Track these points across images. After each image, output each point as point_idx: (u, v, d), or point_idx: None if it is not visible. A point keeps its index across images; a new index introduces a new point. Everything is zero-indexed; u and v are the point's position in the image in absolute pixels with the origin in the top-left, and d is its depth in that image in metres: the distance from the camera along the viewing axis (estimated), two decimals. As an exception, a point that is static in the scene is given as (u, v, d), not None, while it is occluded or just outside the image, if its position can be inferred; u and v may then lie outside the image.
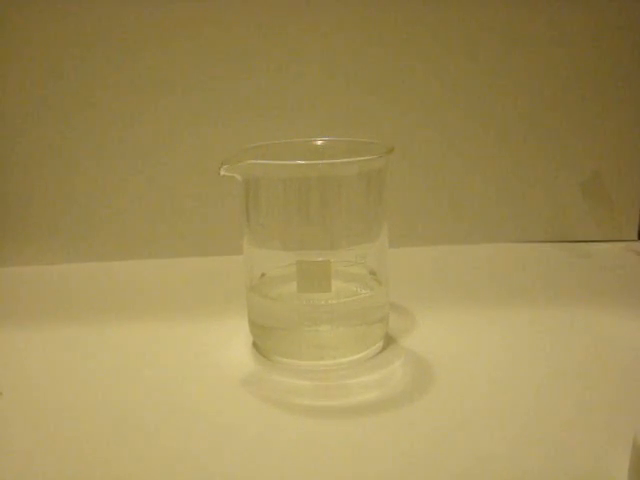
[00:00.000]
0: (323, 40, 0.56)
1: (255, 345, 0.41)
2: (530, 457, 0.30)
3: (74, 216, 0.58)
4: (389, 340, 0.42)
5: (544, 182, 0.60)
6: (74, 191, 0.57)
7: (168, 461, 0.31)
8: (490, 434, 0.32)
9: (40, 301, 0.51)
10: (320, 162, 0.38)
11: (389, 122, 0.58)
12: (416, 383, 0.37)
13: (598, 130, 0.59)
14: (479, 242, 0.60)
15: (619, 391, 0.36)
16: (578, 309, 0.46)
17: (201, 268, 0.57)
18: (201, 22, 0.55)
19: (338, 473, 0.30)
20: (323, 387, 0.37)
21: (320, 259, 0.38)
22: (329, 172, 0.38)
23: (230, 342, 0.42)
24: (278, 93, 0.56)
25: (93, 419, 0.35)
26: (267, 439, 0.32)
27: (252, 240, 0.40)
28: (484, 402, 0.35)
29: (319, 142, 0.42)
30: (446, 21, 0.56)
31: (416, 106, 0.58)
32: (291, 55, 0.56)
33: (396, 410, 0.34)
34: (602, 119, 0.59)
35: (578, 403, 0.35)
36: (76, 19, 0.54)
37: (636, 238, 0.61)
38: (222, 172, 0.37)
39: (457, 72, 0.57)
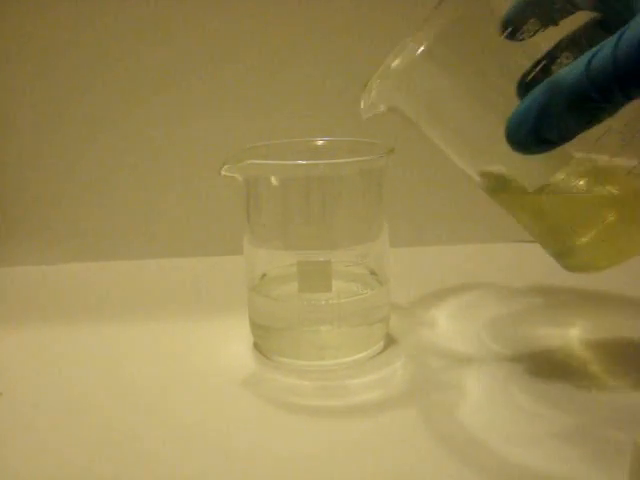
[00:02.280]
0: (324, 39, 0.56)
1: (256, 345, 0.41)
2: (530, 457, 0.30)
3: (74, 216, 0.58)
4: (390, 340, 0.42)
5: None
6: (74, 191, 0.57)
7: (168, 461, 0.31)
8: (491, 434, 0.32)
9: (40, 301, 0.51)
10: (320, 162, 0.38)
11: (389, 122, 0.57)
12: (417, 383, 0.37)
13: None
14: (479, 242, 0.60)
15: (620, 390, 0.36)
16: (578, 309, 0.46)
17: (201, 268, 0.57)
18: (200, 21, 0.55)
19: (338, 473, 0.30)
20: (324, 387, 0.37)
21: (321, 259, 0.38)
22: (329, 172, 0.38)
23: (231, 342, 0.42)
24: (278, 92, 0.56)
25: (93, 419, 0.35)
26: (267, 439, 0.32)
27: (253, 240, 0.40)
28: (485, 402, 0.35)
29: (319, 142, 0.42)
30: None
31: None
32: (291, 54, 0.56)
33: (397, 410, 0.34)
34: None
35: (579, 402, 0.35)
36: (72, 15, 0.54)
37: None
38: (223, 172, 0.37)
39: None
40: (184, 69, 0.56)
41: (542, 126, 0.26)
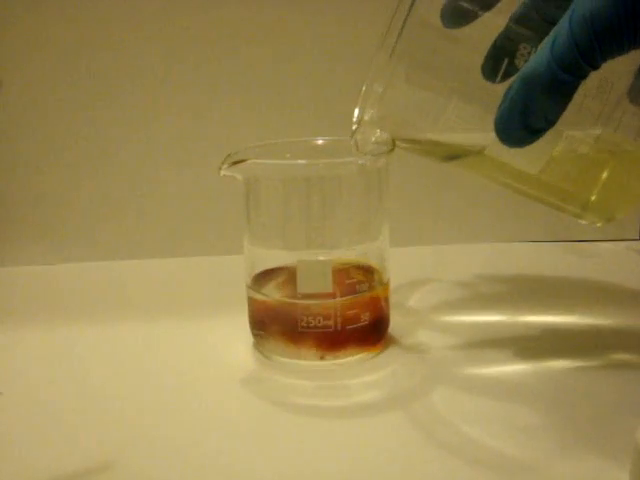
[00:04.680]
0: (324, 38, 0.56)
1: (255, 345, 0.41)
2: (532, 456, 0.30)
3: (74, 216, 0.58)
4: (390, 340, 0.42)
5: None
6: (74, 191, 0.57)
7: (168, 460, 0.31)
8: (492, 434, 0.32)
9: (40, 301, 0.51)
10: (320, 162, 0.38)
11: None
12: (417, 383, 0.37)
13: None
14: (479, 242, 0.60)
15: (621, 390, 0.36)
16: (578, 309, 0.46)
17: (201, 268, 0.57)
18: (199, 18, 0.55)
19: (338, 473, 0.30)
20: (323, 387, 0.37)
21: (321, 259, 0.38)
22: (329, 172, 0.38)
23: (230, 342, 0.42)
24: (279, 92, 0.56)
25: (93, 419, 0.35)
26: (267, 439, 0.32)
27: (253, 239, 0.40)
28: (486, 402, 0.35)
29: (319, 142, 0.43)
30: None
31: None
32: (292, 53, 0.56)
33: (397, 410, 0.34)
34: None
35: (580, 402, 0.35)
36: (74, 15, 0.54)
37: (637, 237, 0.61)
38: (222, 172, 0.38)
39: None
40: (185, 67, 0.56)
41: (528, 119, 0.28)
